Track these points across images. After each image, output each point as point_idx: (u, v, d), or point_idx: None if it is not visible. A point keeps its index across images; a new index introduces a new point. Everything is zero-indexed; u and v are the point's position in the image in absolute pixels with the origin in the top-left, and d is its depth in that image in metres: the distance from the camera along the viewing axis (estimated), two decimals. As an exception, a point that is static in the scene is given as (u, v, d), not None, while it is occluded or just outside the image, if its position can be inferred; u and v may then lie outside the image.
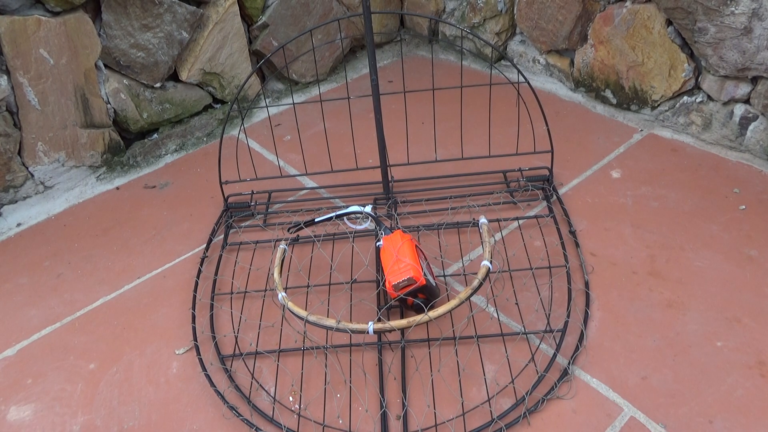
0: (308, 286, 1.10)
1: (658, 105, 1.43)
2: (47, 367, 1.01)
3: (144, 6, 1.36)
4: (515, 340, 0.97)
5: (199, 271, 1.15)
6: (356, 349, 0.99)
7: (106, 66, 1.39)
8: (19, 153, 1.33)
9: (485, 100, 1.60)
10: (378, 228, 1.05)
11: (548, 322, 0.99)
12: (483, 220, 1.02)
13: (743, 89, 1.28)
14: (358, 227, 1.14)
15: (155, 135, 1.52)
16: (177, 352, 1.01)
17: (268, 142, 1.55)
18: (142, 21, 1.37)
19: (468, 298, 0.90)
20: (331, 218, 1.10)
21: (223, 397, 0.92)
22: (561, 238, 1.15)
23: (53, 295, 1.15)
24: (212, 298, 1.09)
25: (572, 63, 1.60)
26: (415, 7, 1.89)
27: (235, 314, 1.07)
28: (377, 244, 1.06)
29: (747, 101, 1.29)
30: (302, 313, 0.89)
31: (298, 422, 0.89)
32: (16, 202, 1.36)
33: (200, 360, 0.98)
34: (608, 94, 1.53)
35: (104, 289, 1.15)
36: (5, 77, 1.24)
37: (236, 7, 1.53)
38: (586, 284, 1.05)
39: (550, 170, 1.28)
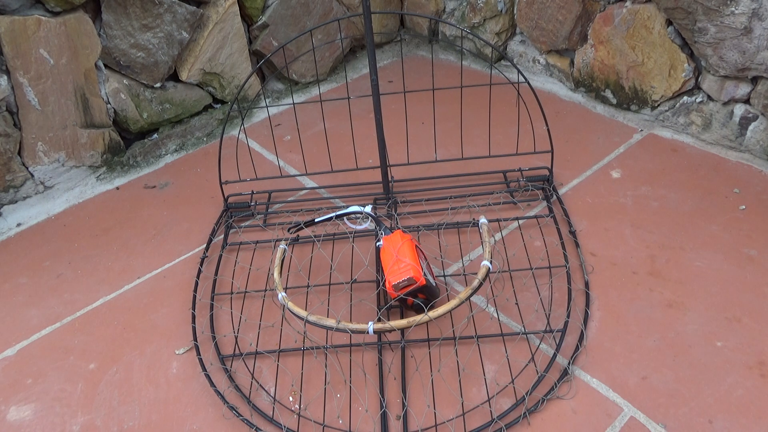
0: (308, 286, 1.10)
1: (658, 105, 1.44)
2: (47, 367, 1.01)
3: (144, 6, 1.36)
4: (515, 340, 0.98)
5: (199, 271, 1.15)
6: (356, 349, 0.99)
7: (106, 66, 1.39)
8: (19, 153, 1.33)
9: (485, 100, 1.60)
10: (378, 228, 1.05)
11: (548, 322, 0.99)
12: (483, 220, 1.02)
13: (743, 89, 1.28)
14: (358, 227, 1.14)
15: (155, 135, 1.52)
16: (177, 352, 1.01)
17: (268, 142, 1.55)
18: (142, 21, 1.37)
19: (468, 298, 0.90)
20: (331, 218, 1.10)
21: (223, 397, 0.92)
22: (561, 238, 1.15)
23: (53, 295, 1.15)
24: (212, 298, 1.09)
25: (572, 63, 1.60)
26: (415, 7, 1.89)
27: (235, 314, 1.07)
28: (377, 244, 1.06)
29: (747, 101, 1.29)
30: (302, 313, 0.89)
31: (298, 422, 0.89)
32: (16, 202, 1.36)
33: (200, 360, 0.98)
34: (608, 94, 1.53)
35: (104, 289, 1.15)
36: (5, 77, 1.24)
37: (236, 7, 1.53)
38: (586, 284, 1.05)
39: (550, 170, 1.28)
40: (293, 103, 1.26)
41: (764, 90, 1.24)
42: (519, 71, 1.16)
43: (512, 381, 0.91)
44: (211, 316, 1.06)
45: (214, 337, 1.02)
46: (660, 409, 0.86)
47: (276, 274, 0.98)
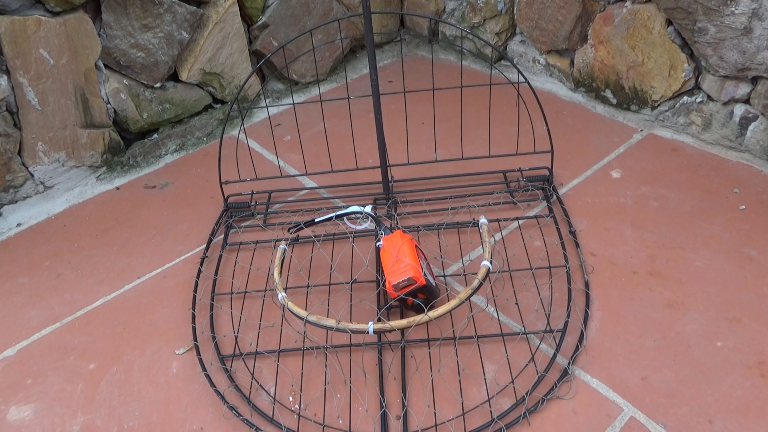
0: (308, 286, 1.10)
1: (658, 105, 1.44)
2: (47, 367, 1.01)
3: (144, 6, 1.36)
4: (515, 340, 0.98)
5: (199, 271, 1.15)
6: (356, 349, 0.99)
7: (106, 66, 1.39)
8: (19, 153, 1.33)
9: (485, 100, 1.60)
10: (378, 228, 1.05)
11: (548, 322, 0.99)
12: (483, 220, 1.02)
13: (743, 89, 1.28)
14: (358, 227, 1.14)
15: (155, 135, 1.52)
16: (177, 352, 1.01)
17: (268, 142, 1.55)
18: (142, 21, 1.37)
19: (468, 298, 0.90)
20: (331, 218, 1.10)
21: (223, 397, 0.92)
22: (561, 238, 1.15)
23: (53, 295, 1.15)
24: (212, 298, 1.09)
25: (572, 63, 1.60)
26: (415, 7, 1.89)
27: (235, 314, 1.07)
28: (377, 244, 1.06)
29: (747, 101, 1.29)
30: (302, 313, 0.89)
31: (298, 422, 0.89)
32: (16, 202, 1.36)
33: (200, 360, 0.98)
34: (608, 94, 1.53)
35: (104, 289, 1.15)
36: (5, 77, 1.24)
37: (236, 7, 1.53)
38: (586, 284, 1.05)
39: (550, 170, 1.28)
40: (293, 103, 1.26)
41: (764, 90, 1.24)
42: (519, 71, 1.16)
43: (512, 381, 0.91)
44: (211, 316, 1.06)
45: (214, 337, 1.02)
46: (660, 409, 0.86)
47: (276, 274, 0.98)
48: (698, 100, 1.36)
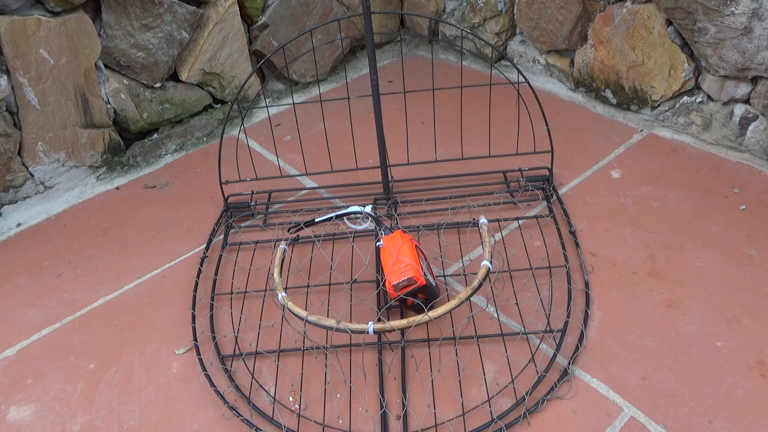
0: (308, 286, 1.10)
1: (658, 105, 1.44)
2: (47, 367, 1.01)
3: (144, 6, 1.36)
4: (515, 340, 0.98)
5: (199, 271, 1.15)
6: (356, 349, 0.99)
7: (106, 66, 1.39)
8: (19, 153, 1.33)
9: (485, 100, 1.60)
10: (378, 228, 1.05)
11: (548, 322, 0.99)
12: (483, 220, 1.02)
13: (743, 89, 1.28)
14: (358, 227, 1.14)
15: (155, 135, 1.52)
16: (177, 352, 1.01)
17: (268, 142, 1.55)
18: (142, 21, 1.37)
19: (468, 298, 0.90)
20: (331, 218, 1.10)
21: (223, 397, 0.92)
22: (561, 238, 1.15)
23: (53, 295, 1.15)
24: (212, 298, 1.09)
25: (572, 63, 1.60)
26: (415, 7, 1.89)
27: (235, 314, 1.07)
28: (377, 244, 1.06)
29: (747, 101, 1.29)
30: (302, 313, 0.89)
31: (298, 422, 0.89)
32: (16, 202, 1.36)
33: (200, 360, 0.98)
34: (608, 94, 1.53)
35: (104, 289, 1.15)
36: (5, 77, 1.24)
37: (236, 7, 1.53)
38: (586, 284, 1.05)
39: (550, 170, 1.28)
40: (293, 103, 1.26)
41: (764, 90, 1.24)
42: (519, 71, 1.16)
43: (512, 381, 0.91)
44: (211, 316, 1.06)
45: (214, 337, 1.02)
46: (660, 409, 0.86)
47: (276, 274, 0.98)
48: (698, 100, 1.36)
